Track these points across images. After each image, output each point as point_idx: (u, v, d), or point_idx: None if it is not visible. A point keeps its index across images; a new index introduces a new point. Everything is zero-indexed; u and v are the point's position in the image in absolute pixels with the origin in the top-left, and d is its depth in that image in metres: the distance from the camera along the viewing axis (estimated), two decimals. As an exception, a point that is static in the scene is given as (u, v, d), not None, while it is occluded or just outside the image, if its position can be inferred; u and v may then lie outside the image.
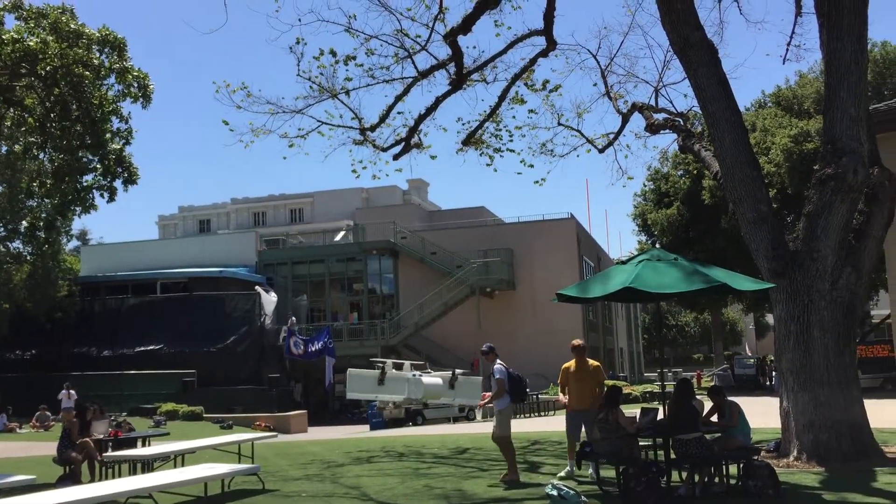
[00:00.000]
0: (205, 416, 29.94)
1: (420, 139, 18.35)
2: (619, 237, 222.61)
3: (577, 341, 11.94)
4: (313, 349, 33.12)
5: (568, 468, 11.47)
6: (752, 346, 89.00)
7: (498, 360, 11.48)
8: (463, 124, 18.70)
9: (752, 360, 44.35)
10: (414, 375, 24.51)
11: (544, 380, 40.32)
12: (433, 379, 25.04)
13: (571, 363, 11.80)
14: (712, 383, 43.37)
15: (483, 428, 23.38)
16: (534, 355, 42.09)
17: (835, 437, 12.08)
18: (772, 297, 13.16)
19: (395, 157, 18.17)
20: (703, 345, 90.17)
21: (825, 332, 12.43)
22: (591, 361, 11.89)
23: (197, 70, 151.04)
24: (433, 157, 20.88)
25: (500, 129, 18.71)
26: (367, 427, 28.55)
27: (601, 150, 19.36)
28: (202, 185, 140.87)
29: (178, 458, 13.10)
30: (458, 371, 32.41)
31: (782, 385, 12.86)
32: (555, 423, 23.66)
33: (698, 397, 11.02)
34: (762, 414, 16.99)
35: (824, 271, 12.54)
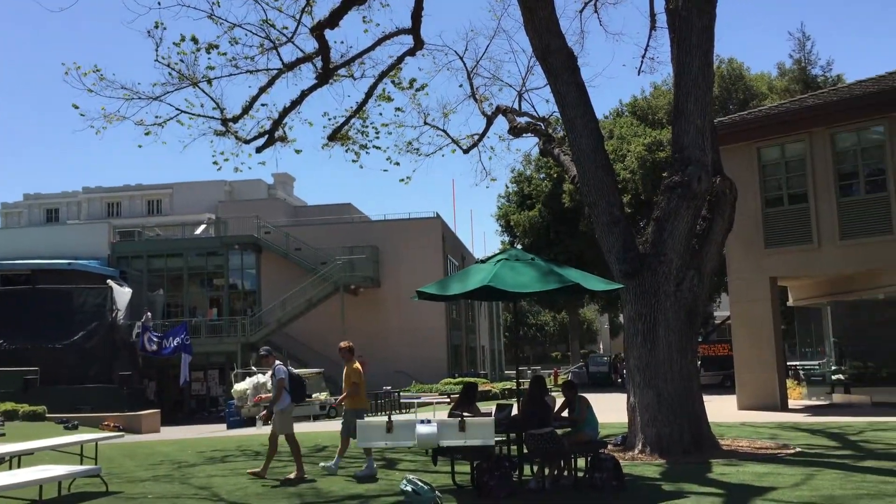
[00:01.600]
0: (48, 416, 28.25)
1: (285, 133, 18.03)
2: (483, 237, 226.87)
3: (344, 343, 12.36)
4: (169, 346, 31.93)
5: (332, 463, 12.00)
6: (606, 345, 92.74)
7: (278, 362, 11.78)
8: (329, 119, 18.55)
9: (606, 358, 46.25)
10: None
11: (407, 377, 40.56)
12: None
13: (358, 364, 12.09)
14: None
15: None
16: (398, 353, 42.27)
17: (676, 430, 12.75)
18: (622, 297, 13.74)
19: (259, 150, 17.77)
20: (562, 343, 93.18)
21: (670, 330, 13.10)
22: (356, 363, 12.20)
23: (45, 50, 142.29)
24: (298, 152, 20.54)
25: (367, 126, 18.69)
26: (224, 426, 27.86)
27: (466, 151, 19.66)
28: (50, 173, 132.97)
29: (14, 461, 12.28)
30: (318, 370, 32.09)
31: (630, 381, 13.45)
32: (415, 421, 23.81)
33: (552, 394, 11.39)
34: (613, 409, 17.73)
35: (670, 273, 13.22)
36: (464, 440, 7.76)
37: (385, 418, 7.90)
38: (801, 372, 27.47)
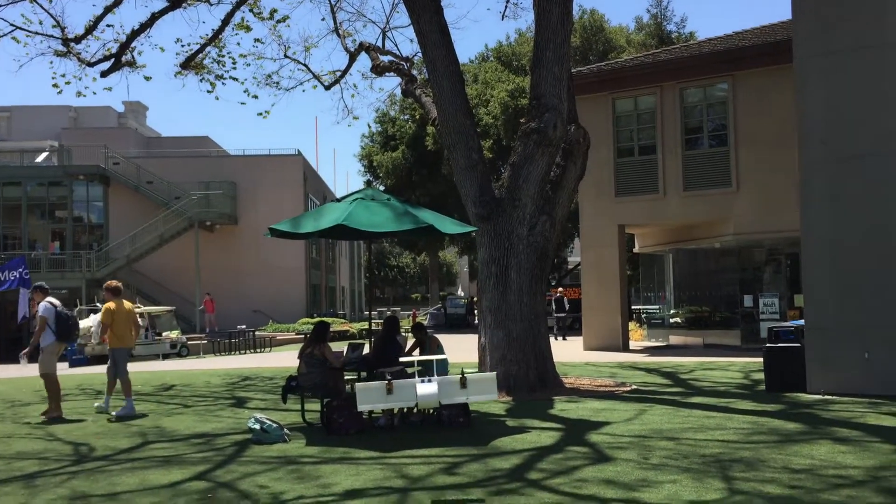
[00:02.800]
0: None
1: (133, 57, 17.03)
2: (346, 177, 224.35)
3: (111, 283, 12.26)
4: (7, 280, 29.97)
5: (102, 403, 12.07)
6: (465, 287, 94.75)
7: (47, 299, 11.57)
8: (183, 46, 17.64)
9: (464, 301, 47.19)
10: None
11: (265, 316, 40.02)
12: None
13: (112, 304, 11.84)
14: (425, 321, 45.63)
15: (193, 365, 22.73)
16: (256, 292, 41.57)
17: (524, 369, 13.23)
18: (477, 240, 13.99)
19: (104, 74, 16.71)
20: (422, 285, 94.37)
21: (521, 273, 13.48)
22: (126, 303, 12.07)
23: None
24: (148, 79, 19.51)
25: (224, 56, 17.93)
26: (66, 364, 26.60)
27: (328, 87, 19.25)
28: None
29: None
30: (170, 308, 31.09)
31: (481, 322, 13.80)
32: (269, 360, 23.62)
33: (404, 334, 11.53)
34: (467, 350, 18.18)
35: (524, 218, 13.54)
36: (466, 396, 7.43)
37: (384, 381, 7.46)
38: (644, 315, 29.06)
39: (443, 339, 13.48)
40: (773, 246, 21.58)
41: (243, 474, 7.48)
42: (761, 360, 13.02)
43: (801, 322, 12.81)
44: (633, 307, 32.88)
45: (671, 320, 25.27)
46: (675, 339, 24.36)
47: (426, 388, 7.31)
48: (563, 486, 6.69)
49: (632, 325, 27.62)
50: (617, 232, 22.81)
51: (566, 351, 22.27)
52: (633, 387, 13.57)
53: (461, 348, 22.71)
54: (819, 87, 12.24)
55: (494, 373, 8.77)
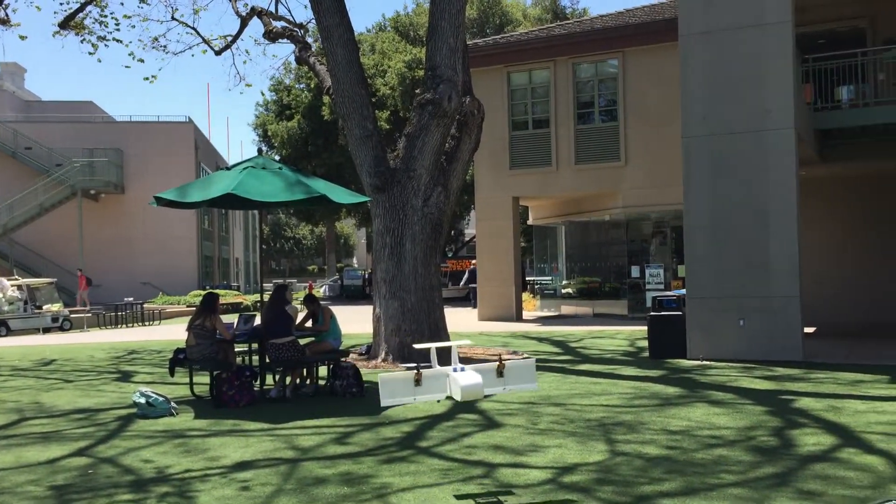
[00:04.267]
0: None
1: (7, 15, 16.04)
2: (241, 146, 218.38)
3: None
4: None
5: None
6: (362, 259, 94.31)
7: None
8: (62, 4, 16.71)
9: (361, 272, 47.01)
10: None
11: (153, 288, 38.77)
12: None
13: None
14: (321, 293, 45.26)
15: (76, 338, 21.86)
16: (144, 263, 40.20)
17: (418, 340, 13.29)
18: (372, 211, 13.93)
19: (-26, 32, 15.66)
20: (319, 256, 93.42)
21: (416, 244, 13.52)
22: None
23: None
24: (23, 38, 18.40)
25: (106, 16, 17.11)
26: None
27: (218, 53, 18.66)
28: None
29: None
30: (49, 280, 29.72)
31: (376, 293, 13.80)
32: (158, 333, 22.96)
33: (296, 304, 11.41)
34: (363, 321, 18.14)
35: (419, 189, 13.57)
36: (503, 387, 5.92)
37: (411, 372, 6.00)
38: (537, 286, 29.68)
39: (339, 310, 13.43)
40: (659, 218, 22.36)
41: (127, 449, 7.28)
42: (646, 328, 13.53)
43: (683, 292, 13.37)
44: (527, 278, 33.55)
45: (563, 291, 25.91)
46: (566, 309, 25.01)
47: (469, 379, 5.88)
48: (452, 453, 6.80)
49: (526, 296, 28.18)
50: (511, 204, 23.14)
51: (461, 321, 22.53)
52: (525, 355, 13.88)
53: (357, 319, 22.67)
54: (700, 64, 12.70)
55: (533, 359, 7.05)
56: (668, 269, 21.80)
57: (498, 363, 6.29)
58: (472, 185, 24.91)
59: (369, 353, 13.79)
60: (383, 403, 5.96)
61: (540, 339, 17.00)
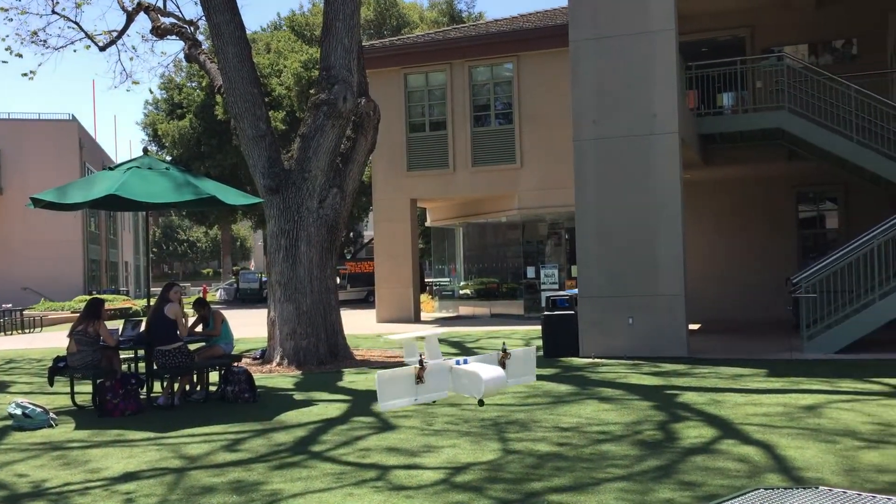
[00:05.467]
0: None
1: None
2: (129, 146, 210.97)
3: None
4: None
5: None
6: (259, 262, 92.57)
7: None
8: (-71, -7, 15.71)
9: (257, 275, 46.13)
10: None
11: (34, 294, 36.96)
12: None
13: None
14: (216, 297, 44.15)
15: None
16: (25, 268, 38.29)
17: (313, 343, 13.17)
18: (266, 213, 13.69)
19: None
20: (214, 260, 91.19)
21: (311, 246, 13.36)
22: None
23: None
24: None
25: (-21, 7, 16.16)
26: None
27: (103, 49, 17.94)
28: None
29: None
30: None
31: (271, 296, 13.56)
32: (39, 341, 21.88)
33: (188, 309, 11.08)
34: (260, 325, 17.79)
35: (314, 190, 13.41)
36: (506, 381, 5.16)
37: (411, 368, 4.97)
38: (435, 287, 29.82)
39: (235, 314, 13.13)
40: (554, 220, 22.83)
41: (1, 463, 6.89)
42: (541, 327, 13.77)
43: (576, 291, 13.69)
44: (426, 280, 33.66)
45: (461, 292, 26.12)
46: (464, 310, 25.22)
47: (492, 372, 4.96)
48: (346, 457, 6.74)
49: (424, 298, 28.27)
50: (409, 206, 23.17)
51: (359, 323, 22.41)
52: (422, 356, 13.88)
53: (254, 323, 22.23)
54: (590, 69, 13.03)
55: (533, 347, 6.12)
56: (563, 269, 22.28)
57: (502, 354, 5.44)
58: (370, 186, 24.83)
59: (264, 357, 13.54)
60: (383, 408, 4.92)
61: (438, 341, 17.04)
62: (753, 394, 9.06)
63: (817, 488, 2.78)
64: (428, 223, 28.25)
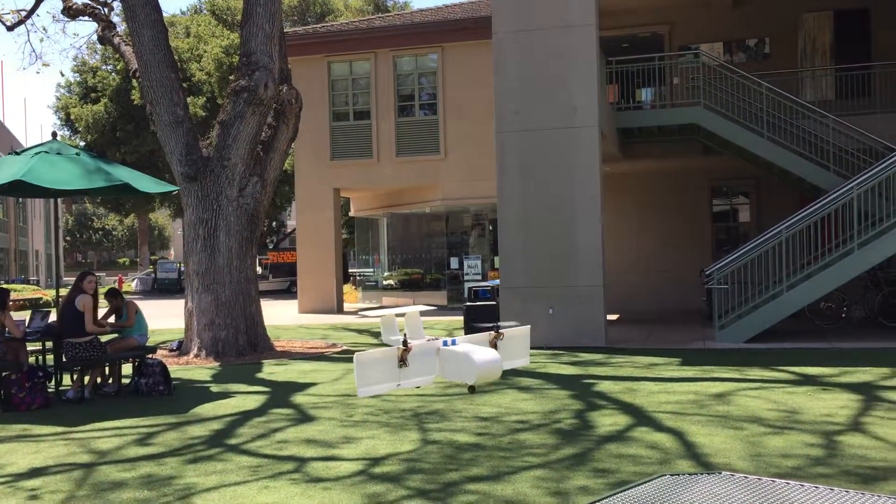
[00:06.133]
0: None
1: None
2: (40, 131, 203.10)
3: None
4: None
5: None
6: (178, 252, 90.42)
7: None
8: None
9: (176, 265, 45.06)
10: None
11: (-63, 285, 35.27)
12: None
13: None
14: (132, 287, 42.98)
15: None
16: (-75, 257, 36.49)
17: (232, 334, 12.94)
18: (183, 201, 13.36)
19: None
20: (131, 249, 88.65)
21: (230, 236, 13.11)
22: None
23: None
24: None
25: None
26: None
27: (10, 28, 17.19)
28: None
29: None
30: None
31: (188, 286, 13.26)
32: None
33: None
34: (178, 316, 17.40)
35: (233, 179, 13.15)
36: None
37: (392, 349, 4.27)
38: (359, 278, 29.66)
39: (152, 305, 12.79)
40: (478, 211, 22.96)
41: None
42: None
43: (498, 282, 13.80)
44: (349, 270, 33.45)
45: (385, 282, 26.04)
46: (388, 301, 25.15)
47: (485, 355, 4.38)
48: (263, 449, 6.64)
49: (347, 288, 28.09)
50: (332, 195, 22.96)
51: (281, 314, 22.13)
52: (344, 347, 13.82)
53: (172, 314, 21.73)
54: (513, 62, 13.12)
55: (528, 327, 5.37)
56: (486, 260, 22.44)
57: (494, 334, 4.74)
58: (293, 175, 24.50)
59: (180, 349, 13.23)
60: (361, 394, 4.05)
61: (360, 331, 17.00)
62: (667, 382, 9.30)
63: (721, 473, 2.86)
64: (352, 213, 28.07)
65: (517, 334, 4.97)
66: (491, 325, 4.33)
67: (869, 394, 8.25)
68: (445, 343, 4.54)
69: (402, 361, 4.44)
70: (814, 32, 17.28)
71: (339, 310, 23.07)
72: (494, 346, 4.91)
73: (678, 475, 2.86)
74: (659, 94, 17.79)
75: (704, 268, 14.61)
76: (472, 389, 4.49)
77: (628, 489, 2.68)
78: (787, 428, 6.81)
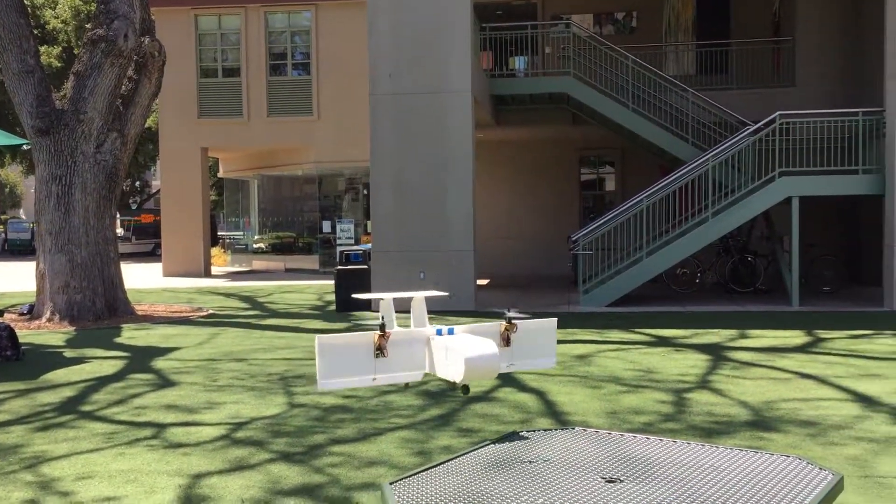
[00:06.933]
0: None
1: None
2: None
3: None
4: None
5: None
6: (31, 210, 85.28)
7: None
8: None
9: (29, 224, 42.45)
10: None
11: None
12: None
13: None
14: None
15: None
16: None
17: (89, 297, 12.34)
18: (35, 156, 12.56)
19: None
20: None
21: (87, 194, 12.45)
22: None
23: None
24: None
25: None
26: None
27: None
28: None
29: None
30: None
31: (40, 246, 12.52)
32: None
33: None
34: (29, 277, 16.44)
35: (90, 134, 12.46)
36: (509, 362, 3.32)
37: (368, 334, 3.46)
38: (228, 240, 28.88)
39: (0, 266, 11.97)
40: (352, 175, 22.72)
41: None
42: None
43: (369, 246, 13.75)
44: (218, 233, 32.49)
45: (255, 246, 25.47)
46: (258, 265, 24.64)
47: (477, 348, 3.49)
48: (119, 415, 6.39)
49: (216, 251, 27.32)
50: (200, 154, 22.14)
51: (144, 278, 21.29)
52: (210, 311, 13.45)
53: (22, 276, 20.50)
54: (387, 23, 12.97)
55: (554, 320, 4.04)
56: (360, 224, 22.29)
57: (505, 325, 3.84)
58: (158, 133, 23.46)
59: (32, 312, 12.52)
60: (322, 387, 3.30)
61: (228, 295, 16.58)
62: (532, 344, 9.54)
63: (573, 429, 2.96)
64: (221, 174, 27.20)
65: (537, 328, 3.95)
66: (502, 313, 2.99)
67: (717, 354, 8.77)
68: (439, 332, 3.67)
69: (380, 350, 3.51)
70: (678, 8, 17.93)
71: (207, 273, 22.41)
72: (507, 339, 3.90)
73: (533, 431, 2.93)
74: (532, 63, 18.05)
75: (571, 234, 15.04)
76: (466, 390, 3.09)
77: (484, 446, 2.73)
78: (642, 386, 7.14)
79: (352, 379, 3.51)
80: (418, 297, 3.82)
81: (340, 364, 3.54)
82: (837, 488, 2.24)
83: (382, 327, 3.60)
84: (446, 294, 3.76)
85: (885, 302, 12.56)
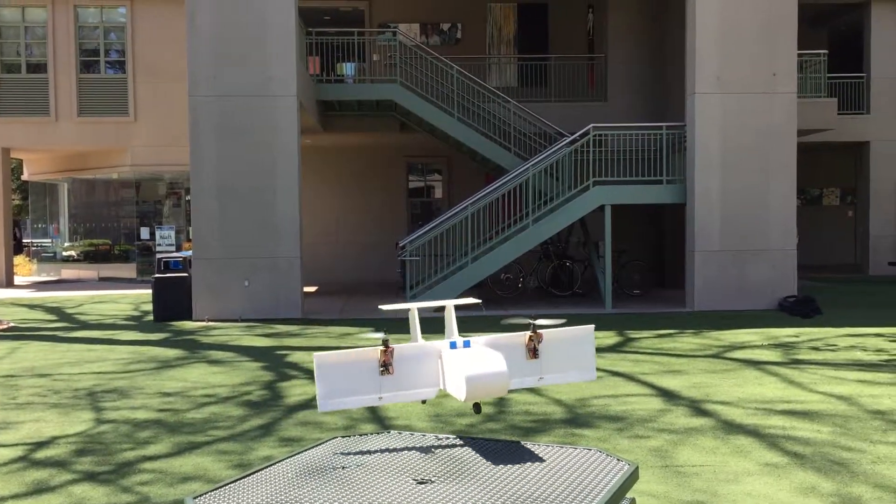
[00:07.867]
0: None
1: None
2: None
3: None
4: None
5: None
6: None
7: None
8: None
9: None
10: None
11: None
12: None
13: None
14: None
15: None
16: None
17: None
18: None
19: None
20: None
21: None
22: None
23: None
24: None
25: None
26: None
27: None
28: None
29: None
30: None
31: None
32: None
33: None
34: None
35: None
36: (538, 377, 2.64)
37: (372, 350, 2.88)
38: (34, 248, 26.86)
39: None
40: (173, 179, 21.76)
41: None
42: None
43: (190, 253, 13.21)
44: (23, 240, 30.15)
45: (65, 254, 23.83)
46: (68, 274, 23.06)
47: (483, 366, 3.03)
48: None
49: (20, 259, 25.35)
50: (0, 156, 20.47)
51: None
52: (10, 324, 12.44)
53: None
54: (208, 23, 12.55)
55: (591, 327, 3.45)
56: (182, 231, 21.40)
57: (530, 335, 3.39)
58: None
59: None
60: (323, 408, 2.91)
61: (32, 307, 15.41)
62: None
63: (389, 433, 2.96)
64: (25, 177, 25.26)
65: (570, 336, 3.50)
66: (528, 322, 2.63)
67: (536, 355, 9.08)
68: (454, 345, 3.29)
69: (385, 367, 3.12)
70: (500, 22, 18.54)
71: (10, 283, 20.73)
72: (534, 351, 3.44)
73: (349, 437, 2.91)
74: (360, 69, 18.05)
75: (400, 240, 15.14)
76: (478, 409, 2.74)
77: (301, 452, 2.68)
78: (465, 389, 7.27)
79: (356, 398, 3.16)
80: (449, 306, 3.53)
81: (341, 383, 3.22)
82: (633, 477, 2.37)
83: (385, 343, 3.22)
84: (479, 301, 3.40)
85: (687, 303, 13.53)
